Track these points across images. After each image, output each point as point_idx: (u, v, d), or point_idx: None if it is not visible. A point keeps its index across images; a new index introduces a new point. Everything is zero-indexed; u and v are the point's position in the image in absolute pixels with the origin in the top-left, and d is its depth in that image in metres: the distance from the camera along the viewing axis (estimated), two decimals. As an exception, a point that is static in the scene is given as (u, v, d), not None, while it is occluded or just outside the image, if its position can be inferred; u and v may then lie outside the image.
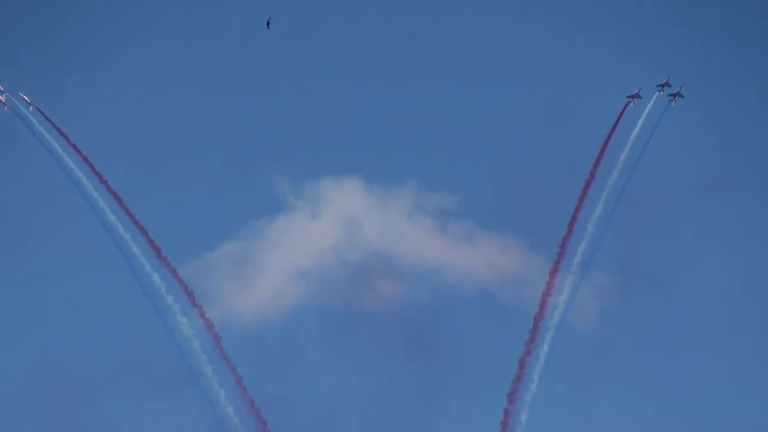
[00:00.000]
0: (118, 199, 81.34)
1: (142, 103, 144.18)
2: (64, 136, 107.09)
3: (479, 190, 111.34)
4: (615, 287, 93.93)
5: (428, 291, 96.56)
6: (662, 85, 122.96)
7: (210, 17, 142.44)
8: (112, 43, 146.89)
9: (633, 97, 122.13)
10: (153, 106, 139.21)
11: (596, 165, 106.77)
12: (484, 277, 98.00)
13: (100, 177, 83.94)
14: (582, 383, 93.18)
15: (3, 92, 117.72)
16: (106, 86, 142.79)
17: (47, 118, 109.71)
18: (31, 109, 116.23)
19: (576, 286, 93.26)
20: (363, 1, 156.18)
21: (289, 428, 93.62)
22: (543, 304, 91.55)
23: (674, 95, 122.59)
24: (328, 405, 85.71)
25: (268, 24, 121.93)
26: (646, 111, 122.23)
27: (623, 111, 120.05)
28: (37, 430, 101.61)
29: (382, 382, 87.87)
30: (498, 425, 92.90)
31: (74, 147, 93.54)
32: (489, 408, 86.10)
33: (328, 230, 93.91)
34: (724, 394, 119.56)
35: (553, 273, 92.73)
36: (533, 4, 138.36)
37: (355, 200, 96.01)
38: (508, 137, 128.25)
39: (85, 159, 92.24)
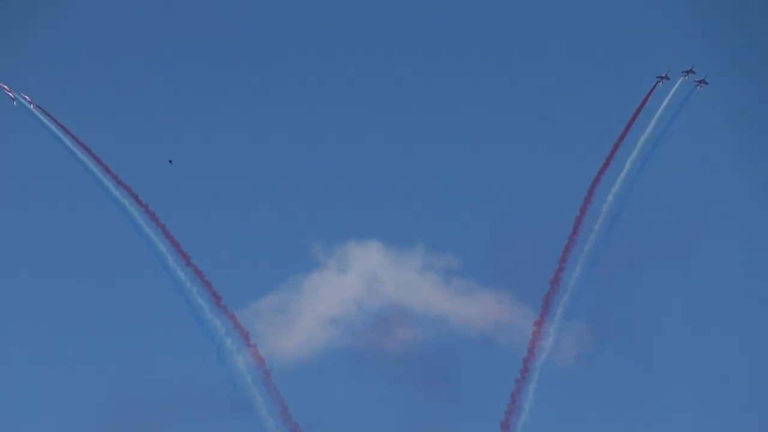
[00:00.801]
0: (187, 259, 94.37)
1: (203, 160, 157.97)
2: (129, 190, 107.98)
3: (477, 252, 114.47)
4: (591, 334, 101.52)
5: (436, 335, 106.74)
6: (687, 72, 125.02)
7: (247, 86, 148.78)
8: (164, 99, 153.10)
9: (662, 78, 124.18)
10: (212, 170, 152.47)
11: (576, 227, 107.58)
12: (482, 324, 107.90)
13: (172, 239, 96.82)
14: (565, 413, 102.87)
15: (10, 91, 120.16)
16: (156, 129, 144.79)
17: (92, 155, 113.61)
18: (32, 107, 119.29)
19: (558, 332, 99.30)
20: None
21: None
22: (531, 348, 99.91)
23: (699, 81, 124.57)
24: (354, 428, 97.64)
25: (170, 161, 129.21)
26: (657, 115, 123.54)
27: (652, 90, 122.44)
28: None
29: (397, 410, 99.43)
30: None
31: (146, 209, 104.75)
32: None
33: (352, 284, 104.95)
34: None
35: (539, 322, 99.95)
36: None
37: (375, 259, 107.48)
38: (503, 201, 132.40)
39: (155, 218, 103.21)
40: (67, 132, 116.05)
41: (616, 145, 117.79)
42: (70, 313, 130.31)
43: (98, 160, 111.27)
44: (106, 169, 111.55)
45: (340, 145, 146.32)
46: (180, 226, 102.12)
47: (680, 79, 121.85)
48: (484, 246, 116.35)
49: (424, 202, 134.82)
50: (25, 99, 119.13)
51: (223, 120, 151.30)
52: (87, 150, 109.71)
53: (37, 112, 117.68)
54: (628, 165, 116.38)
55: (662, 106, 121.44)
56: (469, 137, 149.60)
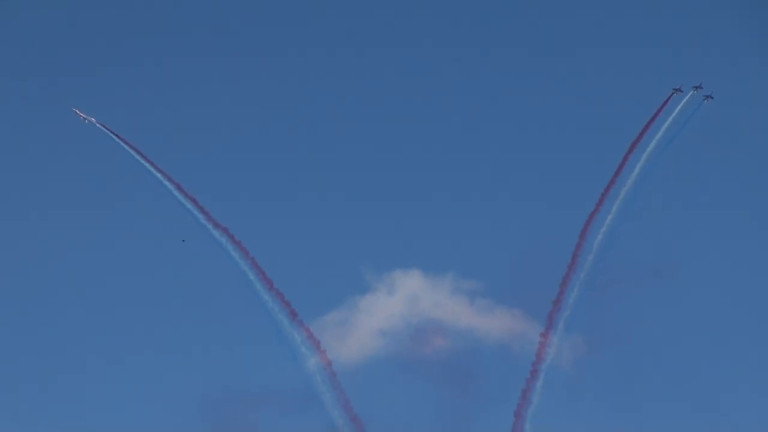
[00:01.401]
0: (270, 284, 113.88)
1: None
2: (225, 230, 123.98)
3: (496, 278, 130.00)
4: (585, 343, 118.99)
5: (463, 344, 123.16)
6: (696, 87, 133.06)
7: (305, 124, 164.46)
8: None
9: (676, 90, 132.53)
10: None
11: (575, 254, 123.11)
12: (499, 335, 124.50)
13: (259, 269, 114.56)
14: (565, 405, 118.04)
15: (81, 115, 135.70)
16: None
17: (192, 201, 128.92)
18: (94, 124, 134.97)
19: (559, 342, 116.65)
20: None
21: None
22: (538, 354, 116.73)
23: (707, 97, 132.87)
24: (400, 416, 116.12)
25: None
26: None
27: (667, 101, 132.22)
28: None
29: (432, 403, 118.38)
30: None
31: (239, 246, 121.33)
32: (502, 421, 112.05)
33: (397, 304, 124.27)
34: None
35: (545, 334, 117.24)
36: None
37: (416, 284, 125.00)
38: (515, 230, 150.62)
39: (246, 251, 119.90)
40: (157, 169, 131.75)
41: (619, 169, 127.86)
42: (175, 329, 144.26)
43: (199, 207, 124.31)
44: (202, 210, 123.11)
45: (386, 187, 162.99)
46: (263, 255, 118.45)
47: (690, 92, 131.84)
48: (502, 272, 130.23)
49: (452, 235, 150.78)
50: (102, 127, 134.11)
51: (300, 159, 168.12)
52: (185, 193, 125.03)
53: (115, 138, 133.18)
54: (621, 196, 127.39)
55: (670, 119, 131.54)
56: (485, 168, 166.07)
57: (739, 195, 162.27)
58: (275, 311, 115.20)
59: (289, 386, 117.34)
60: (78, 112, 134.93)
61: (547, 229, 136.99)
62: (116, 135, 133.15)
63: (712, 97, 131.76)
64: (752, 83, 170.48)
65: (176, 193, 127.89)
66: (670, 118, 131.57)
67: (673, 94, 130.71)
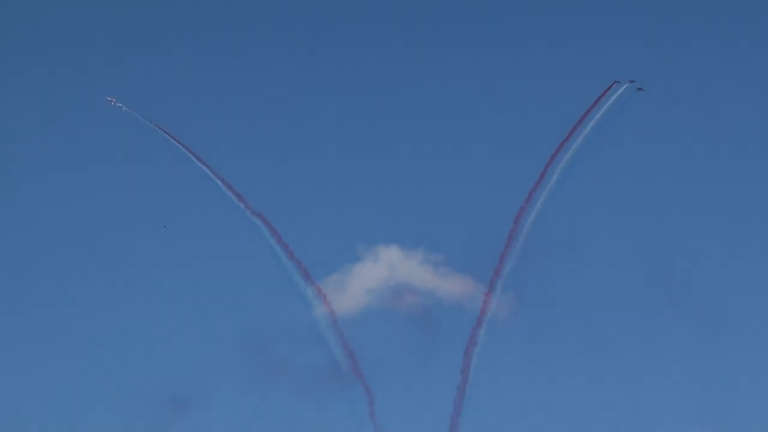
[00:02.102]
0: (291, 253, 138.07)
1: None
2: (263, 218, 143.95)
3: (454, 251, 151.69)
4: (517, 301, 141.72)
5: (429, 301, 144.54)
6: (631, 81, 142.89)
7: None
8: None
9: (616, 82, 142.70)
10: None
11: (512, 231, 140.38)
12: (455, 295, 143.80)
13: (284, 244, 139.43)
14: (502, 346, 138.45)
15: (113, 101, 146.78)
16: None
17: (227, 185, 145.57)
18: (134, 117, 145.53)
19: (498, 300, 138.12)
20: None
21: (371, 367, 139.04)
22: (483, 309, 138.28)
23: (639, 89, 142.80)
24: (382, 354, 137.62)
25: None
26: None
27: (606, 91, 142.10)
28: (247, 368, 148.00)
29: (407, 345, 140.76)
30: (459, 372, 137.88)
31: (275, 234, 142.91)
32: (456, 357, 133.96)
33: (382, 270, 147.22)
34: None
35: (488, 294, 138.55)
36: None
37: (395, 256, 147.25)
38: (472, 212, 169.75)
39: (271, 227, 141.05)
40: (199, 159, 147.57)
41: (555, 152, 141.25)
42: (220, 288, 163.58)
43: (236, 193, 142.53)
44: (241, 198, 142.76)
45: (373, 175, 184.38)
46: (285, 231, 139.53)
47: (626, 85, 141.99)
48: (458, 247, 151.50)
49: (422, 217, 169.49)
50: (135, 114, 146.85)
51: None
52: (232, 190, 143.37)
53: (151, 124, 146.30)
54: (555, 176, 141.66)
55: (604, 109, 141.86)
56: (453, 146, 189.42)
57: (655, 178, 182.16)
58: (294, 273, 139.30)
59: (304, 328, 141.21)
60: (112, 100, 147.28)
61: (492, 210, 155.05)
62: (144, 117, 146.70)
63: (642, 89, 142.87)
64: (677, 76, 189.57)
65: (219, 183, 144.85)
66: (605, 108, 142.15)
67: (612, 85, 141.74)
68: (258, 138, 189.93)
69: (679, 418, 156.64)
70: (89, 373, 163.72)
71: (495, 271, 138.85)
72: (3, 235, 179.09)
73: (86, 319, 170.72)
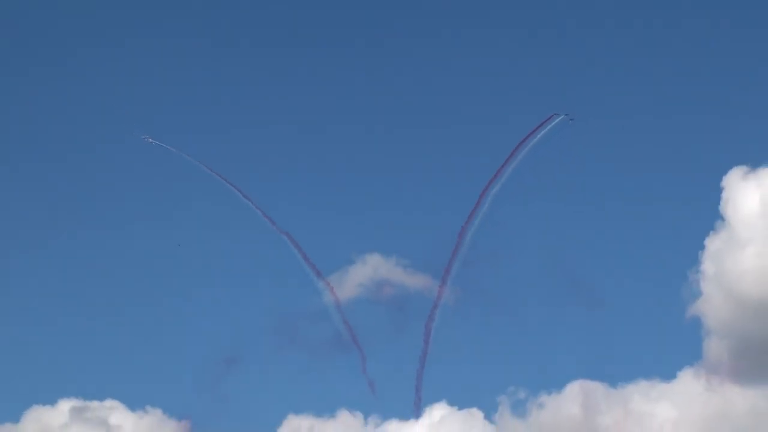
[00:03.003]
0: (305, 256, 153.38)
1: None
2: (271, 219, 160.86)
3: (418, 255, 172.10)
4: (463, 294, 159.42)
5: (401, 292, 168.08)
6: (566, 115, 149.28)
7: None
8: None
9: (555, 115, 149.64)
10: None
11: (461, 234, 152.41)
12: (418, 287, 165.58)
13: (298, 246, 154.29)
14: (451, 324, 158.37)
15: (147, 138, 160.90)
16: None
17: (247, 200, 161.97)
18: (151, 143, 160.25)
19: (448, 293, 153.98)
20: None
21: (363, 336, 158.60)
22: (437, 299, 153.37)
23: (570, 119, 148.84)
24: (372, 328, 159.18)
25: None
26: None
27: (544, 122, 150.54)
28: (277, 338, 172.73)
29: (389, 322, 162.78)
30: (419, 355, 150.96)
31: (287, 235, 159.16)
32: (418, 331, 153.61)
33: (368, 271, 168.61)
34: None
35: (441, 286, 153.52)
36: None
37: (378, 261, 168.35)
38: (431, 221, 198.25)
39: (291, 238, 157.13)
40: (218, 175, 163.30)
41: (494, 177, 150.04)
42: (251, 280, 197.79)
43: (257, 207, 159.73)
44: (266, 215, 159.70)
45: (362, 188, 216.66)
46: (304, 240, 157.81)
47: (561, 117, 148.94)
48: (421, 254, 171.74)
49: (395, 232, 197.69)
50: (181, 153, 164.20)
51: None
52: (264, 214, 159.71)
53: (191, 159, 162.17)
54: (491, 198, 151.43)
55: (540, 135, 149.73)
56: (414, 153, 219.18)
57: (581, 192, 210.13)
58: (310, 272, 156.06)
59: (317, 310, 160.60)
60: (148, 138, 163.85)
61: (443, 227, 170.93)
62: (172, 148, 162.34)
63: (573, 119, 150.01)
64: (606, 106, 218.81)
65: (245, 200, 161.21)
66: (540, 135, 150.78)
67: (551, 117, 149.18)
68: (286, 165, 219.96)
69: (571, 372, 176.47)
70: (170, 341, 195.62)
71: (445, 270, 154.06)
72: (106, 244, 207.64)
73: (172, 305, 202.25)
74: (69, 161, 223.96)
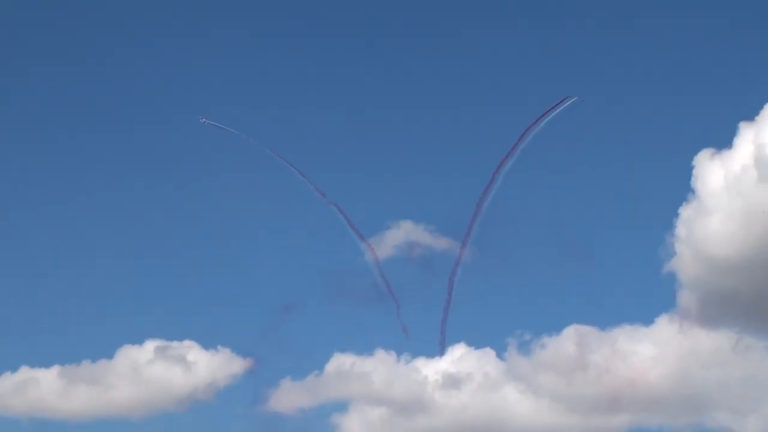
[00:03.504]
0: (352, 224, 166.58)
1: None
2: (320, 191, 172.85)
3: (442, 221, 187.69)
4: (480, 253, 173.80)
5: (427, 252, 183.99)
6: (578, 97, 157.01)
7: None
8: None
9: (567, 98, 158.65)
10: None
11: (478, 206, 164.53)
12: (443, 249, 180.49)
13: (345, 215, 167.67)
14: (472, 279, 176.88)
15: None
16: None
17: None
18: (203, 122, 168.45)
19: (468, 253, 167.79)
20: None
21: (398, 288, 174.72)
22: (459, 257, 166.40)
23: (580, 100, 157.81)
24: (403, 283, 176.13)
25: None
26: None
27: (557, 104, 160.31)
28: (327, 289, 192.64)
29: (417, 278, 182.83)
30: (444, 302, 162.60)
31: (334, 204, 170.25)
32: (443, 284, 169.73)
33: (401, 235, 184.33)
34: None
35: (462, 248, 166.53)
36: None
37: (409, 227, 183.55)
38: (452, 190, 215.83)
39: (337, 206, 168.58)
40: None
41: (512, 149, 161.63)
42: (306, 240, 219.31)
43: (305, 177, 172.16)
44: (314, 186, 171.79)
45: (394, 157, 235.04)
46: (347, 205, 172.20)
47: (574, 99, 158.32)
48: (444, 218, 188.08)
49: (424, 202, 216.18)
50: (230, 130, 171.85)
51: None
52: (315, 186, 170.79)
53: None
54: (504, 174, 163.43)
55: (552, 116, 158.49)
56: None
57: (579, 167, 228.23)
58: (355, 236, 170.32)
59: (360, 266, 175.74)
60: (205, 120, 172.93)
61: (465, 196, 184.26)
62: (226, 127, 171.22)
63: (583, 100, 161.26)
64: (611, 88, 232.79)
65: (305, 181, 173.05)
66: (552, 116, 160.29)
67: (564, 99, 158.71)
68: (338, 140, 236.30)
69: (568, 318, 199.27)
70: (240, 292, 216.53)
71: (465, 234, 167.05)
72: (169, 221, 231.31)
73: (242, 262, 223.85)
74: (137, 138, 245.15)
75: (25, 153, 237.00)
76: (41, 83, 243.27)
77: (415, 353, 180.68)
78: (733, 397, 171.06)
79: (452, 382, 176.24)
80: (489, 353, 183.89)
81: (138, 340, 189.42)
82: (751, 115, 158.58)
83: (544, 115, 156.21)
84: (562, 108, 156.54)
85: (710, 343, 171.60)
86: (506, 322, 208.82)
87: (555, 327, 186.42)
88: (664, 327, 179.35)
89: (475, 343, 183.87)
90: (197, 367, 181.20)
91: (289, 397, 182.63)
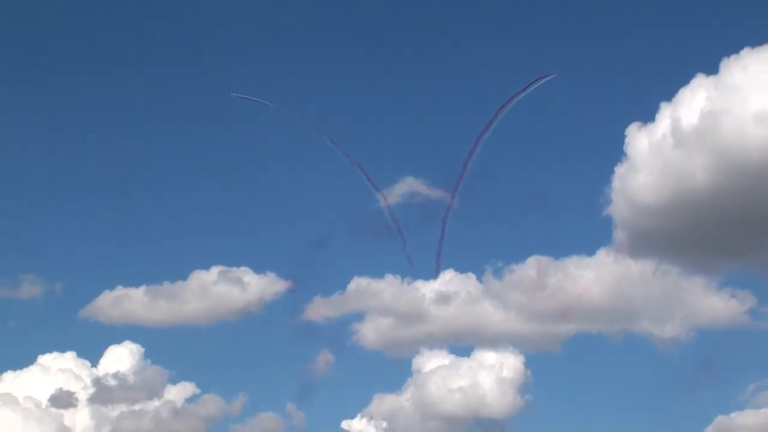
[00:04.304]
0: (371, 180, 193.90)
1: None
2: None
3: (436, 177, 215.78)
4: (465, 202, 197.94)
5: (425, 201, 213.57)
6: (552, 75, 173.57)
7: None
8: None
9: (543, 76, 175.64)
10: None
11: (463, 167, 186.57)
12: (437, 198, 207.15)
13: (366, 173, 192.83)
14: (459, 221, 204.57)
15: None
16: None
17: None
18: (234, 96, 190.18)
19: (456, 202, 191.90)
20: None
21: (405, 226, 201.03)
22: (449, 206, 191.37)
23: (552, 77, 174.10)
24: (411, 223, 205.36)
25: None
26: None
27: (533, 82, 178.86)
28: (348, 229, 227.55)
29: (418, 216, 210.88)
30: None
31: (359, 165, 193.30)
32: (437, 225, 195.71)
33: (405, 187, 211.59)
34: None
35: (452, 198, 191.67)
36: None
37: (413, 183, 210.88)
38: (444, 152, 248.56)
39: (360, 166, 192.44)
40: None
41: (492, 119, 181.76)
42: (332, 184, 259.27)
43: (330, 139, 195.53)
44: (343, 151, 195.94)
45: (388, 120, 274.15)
46: (368, 168, 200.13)
47: (549, 77, 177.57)
48: (440, 176, 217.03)
49: (422, 160, 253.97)
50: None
51: None
52: (340, 148, 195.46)
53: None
54: (488, 136, 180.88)
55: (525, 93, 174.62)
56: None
57: (543, 133, 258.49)
58: (371, 187, 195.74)
59: (375, 211, 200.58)
60: (237, 95, 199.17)
61: (453, 155, 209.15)
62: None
63: (555, 76, 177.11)
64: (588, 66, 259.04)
65: (331, 144, 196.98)
66: (527, 92, 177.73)
67: (540, 77, 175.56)
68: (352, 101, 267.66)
69: (531, 250, 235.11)
70: (283, 229, 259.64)
71: (455, 187, 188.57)
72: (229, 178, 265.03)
73: (284, 208, 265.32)
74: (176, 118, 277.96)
75: (106, 86, 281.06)
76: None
77: (416, 276, 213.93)
78: (653, 310, 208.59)
79: (443, 298, 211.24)
80: (471, 277, 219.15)
81: (206, 265, 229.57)
82: (669, 96, 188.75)
83: (520, 91, 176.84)
84: (537, 86, 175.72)
85: (637, 269, 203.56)
86: (484, 253, 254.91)
87: (521, 257, 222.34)
88: (603, 257, 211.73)
89: (461, 269, 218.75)
90: (250, 287, 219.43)
91: (319, 310, 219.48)
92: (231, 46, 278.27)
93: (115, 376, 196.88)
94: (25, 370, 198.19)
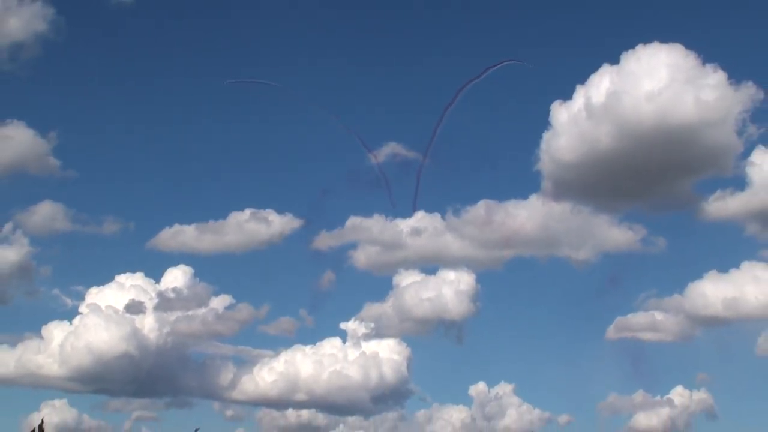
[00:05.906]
0: (368, 146, 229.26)
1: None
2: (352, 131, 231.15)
3: (417, 143, 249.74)
4: (435, 158, 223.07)
5: (407, 157, 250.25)
6: (517, 60, 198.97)
7: None
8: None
9: (508, 60, 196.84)
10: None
11: (435, 128, 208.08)
12: (413, 157, 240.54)
13: (360, 137, 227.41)
14: (432, 175, 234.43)
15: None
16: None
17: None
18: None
19: (428, 158, 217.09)
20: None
21: (390, 175, 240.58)
22: (423, 159, 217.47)
23: (522, 62, 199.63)
24: (396, 178, 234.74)
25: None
26: None
27: (497, 64, 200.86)
28: (348, 178, 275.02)
29: (402, 171, 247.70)
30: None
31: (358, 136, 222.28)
32: (413, 172, 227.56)
33: (391, 149, 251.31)
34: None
35: (425, 157, 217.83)
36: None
37: (395, 148, 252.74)
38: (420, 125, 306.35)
39: (354, 133, 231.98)
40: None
41: (455, 95, 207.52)
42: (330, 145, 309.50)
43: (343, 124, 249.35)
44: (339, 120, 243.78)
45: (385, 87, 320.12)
46: (364, 135, 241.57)
47: (513, 61, 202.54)
48: (418, 141, 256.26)
49: (406, 129, 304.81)
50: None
51: None
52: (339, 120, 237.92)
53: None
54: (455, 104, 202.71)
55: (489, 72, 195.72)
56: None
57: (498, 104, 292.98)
58: (365, 150, 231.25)
59: (366, 166, 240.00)
60: (233, 81, 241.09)
61: (428, 122, 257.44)
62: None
63: (522, 62, 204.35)
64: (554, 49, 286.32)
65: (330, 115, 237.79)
66: (489, 73, 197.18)
67: (504, 60, 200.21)
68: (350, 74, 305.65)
69: (480, 195, 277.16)
70: (296, 179, 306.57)
71: (427, 148, 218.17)
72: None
73: (303, 166, 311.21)
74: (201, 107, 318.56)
75: (182, 30, 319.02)
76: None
77: (396, 215, 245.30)
78: (571, 240, 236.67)
79: (416, 232, 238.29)
80: (437, 216, 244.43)
81: (240, 207, 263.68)
82: (583, 80, 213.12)
83: (478, 76, 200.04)
84: (491, 71, 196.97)
85: (559, 209, 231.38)
86: (447, 197, 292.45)
87: (473, 200, 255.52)
88: (534, 201, 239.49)
89: (429, 210, 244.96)
90: (273, 224, 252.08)
91: (325, 241, 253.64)
92: (229, 35, 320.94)
93: (173, 290, 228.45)
94: (106, 286, 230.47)
